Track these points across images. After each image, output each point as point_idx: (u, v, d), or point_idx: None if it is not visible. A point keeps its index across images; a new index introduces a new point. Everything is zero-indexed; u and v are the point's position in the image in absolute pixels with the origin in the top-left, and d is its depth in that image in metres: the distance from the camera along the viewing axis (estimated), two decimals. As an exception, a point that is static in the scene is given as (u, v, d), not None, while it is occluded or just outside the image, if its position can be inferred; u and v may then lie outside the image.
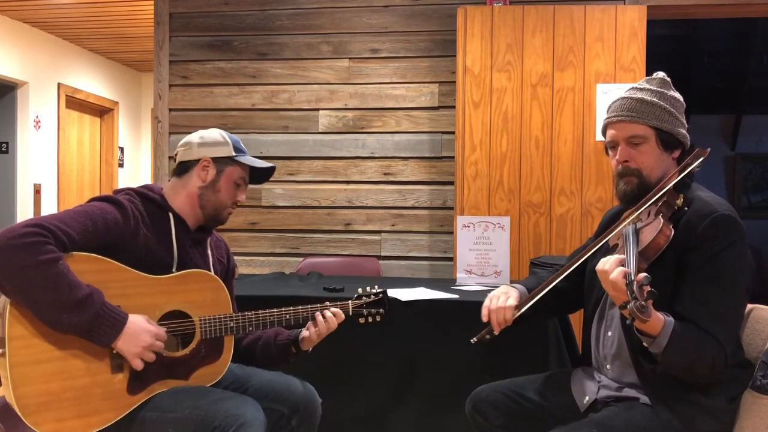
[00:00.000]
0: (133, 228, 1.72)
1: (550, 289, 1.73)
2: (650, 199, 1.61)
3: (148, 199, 1.81)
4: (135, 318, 1.63)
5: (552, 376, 1.88)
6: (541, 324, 2.21)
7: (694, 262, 1.53)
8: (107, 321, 1.57)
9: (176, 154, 1.92)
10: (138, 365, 1.62)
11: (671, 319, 1.48)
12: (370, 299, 1.99)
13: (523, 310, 1.71)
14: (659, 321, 1.45)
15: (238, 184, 1.90)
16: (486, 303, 1.77)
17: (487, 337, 1.74)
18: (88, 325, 1.55)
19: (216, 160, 1.86)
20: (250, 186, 2.08)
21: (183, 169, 1.89)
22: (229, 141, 1.89)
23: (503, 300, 1.74)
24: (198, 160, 1.86)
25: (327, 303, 1.93)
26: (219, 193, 1.86)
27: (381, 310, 1.99)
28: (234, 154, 1.88)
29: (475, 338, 1.75)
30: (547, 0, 3.61)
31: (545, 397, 1.79)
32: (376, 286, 2.02)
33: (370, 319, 1.99)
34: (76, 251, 1.61)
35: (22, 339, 1.54)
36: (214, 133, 1.90)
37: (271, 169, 1.98)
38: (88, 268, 1.61)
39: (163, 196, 1.84)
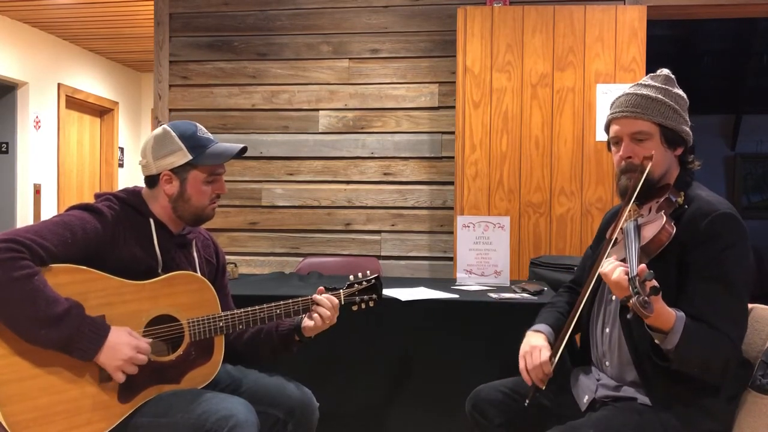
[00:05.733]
0: (114, 236, 1.68)
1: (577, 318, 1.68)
2: (635, 193, 1.63)
3: (129, 204, 1.76)
4: (117, 330, 1.59)
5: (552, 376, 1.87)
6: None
7: (697, 261, 1.53)
8: (87, 335, 1.53)
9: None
10: (120, 378, 1.59)
11: (683, 314, 1.46)
12: (362, 286, 1.91)
13: (558, 355, 1.67)
14: (671, 315, 1.44)
15: (209, 181, 1.78)
16: (521, 365, 1.72)
17: (537, 393, 1.71)
18: (68, 340, 1.52)
19: (176, 170, 1.75)
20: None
21: (150, 182, 1.80)
22: (183, 145, 1.74)
23: (537, 356, 1.69)
24: (159, 174, 1.76)
25: (320, 289, 1.86)
26: (190, 200, 1.77)
27: (374, 296, 1.91)
28: (191, 157, 1.74)
29: (527, 400, 1.69)
30: (547, 0, 3.61)
31: (545, 396, 1.79)
32: (368, 272, 1.94)
33: (363, 306, 1.90)
34: (56, 263, 1.57)
35: (4, 357, 1.51)
36: (167, 138, 1.76)
37: (243, 150, 1.83)
38: (68, 280, 1.58)
39: (144, 201, 1.78)
